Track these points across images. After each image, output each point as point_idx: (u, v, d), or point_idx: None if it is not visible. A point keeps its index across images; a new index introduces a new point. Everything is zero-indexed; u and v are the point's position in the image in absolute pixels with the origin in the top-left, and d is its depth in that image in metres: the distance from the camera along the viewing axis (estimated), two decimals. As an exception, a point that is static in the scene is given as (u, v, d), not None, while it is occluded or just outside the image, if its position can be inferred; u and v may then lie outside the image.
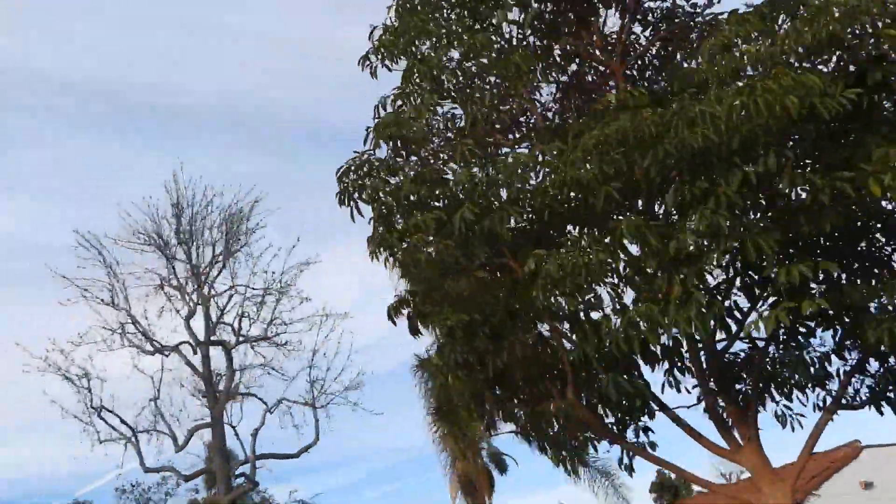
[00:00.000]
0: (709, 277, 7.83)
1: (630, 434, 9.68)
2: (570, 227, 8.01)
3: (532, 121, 9.25)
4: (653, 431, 9.72)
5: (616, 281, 7.73)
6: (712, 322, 7.54)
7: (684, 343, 8.59)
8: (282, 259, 23.11)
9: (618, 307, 7.57)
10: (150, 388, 22.91)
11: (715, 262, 7.35)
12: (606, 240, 6.95)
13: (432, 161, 8.45)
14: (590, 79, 10.33)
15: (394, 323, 9.20)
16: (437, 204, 7.61)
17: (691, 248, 6.90)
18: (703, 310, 6.85)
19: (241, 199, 23.53)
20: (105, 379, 21.74)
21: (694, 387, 9.46)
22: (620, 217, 7.18)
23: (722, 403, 9.18)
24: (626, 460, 9.75)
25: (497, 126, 8.50)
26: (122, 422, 21.74)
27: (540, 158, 7.19)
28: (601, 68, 10.09)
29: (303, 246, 23.75)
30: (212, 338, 22.85)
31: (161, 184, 23.24)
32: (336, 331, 22.59)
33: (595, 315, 7.75)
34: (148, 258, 23.53)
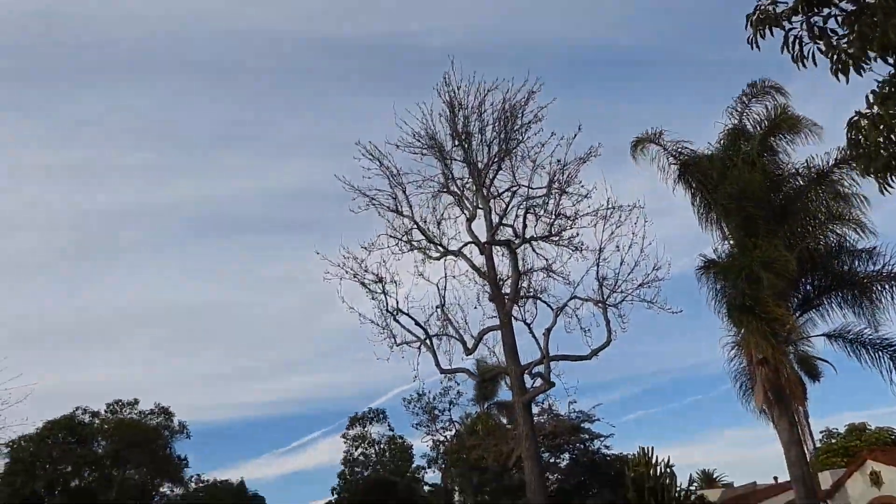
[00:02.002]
0: None
1: None
2: None
3: None
4: None
5: None
6: None
7: None
8: (563, 151, 21.70)
9: None
10: (436, 295, 22.97)
11: None
12: None
13: None
14: None
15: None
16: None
17: None
18: None
19: (514, 96, 22.32)
20: (399, 282, 21.87)
21: None
22: None
23: None
24: None
25: None
26: (416, 323, 21.82)
27: None
28: None
29: (584, 138, 21.99)
30: (495, 237, 22.09)
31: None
32: (625, 224, 20.91)
33: None
34: (427, 166, 23.28)
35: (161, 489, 60.24)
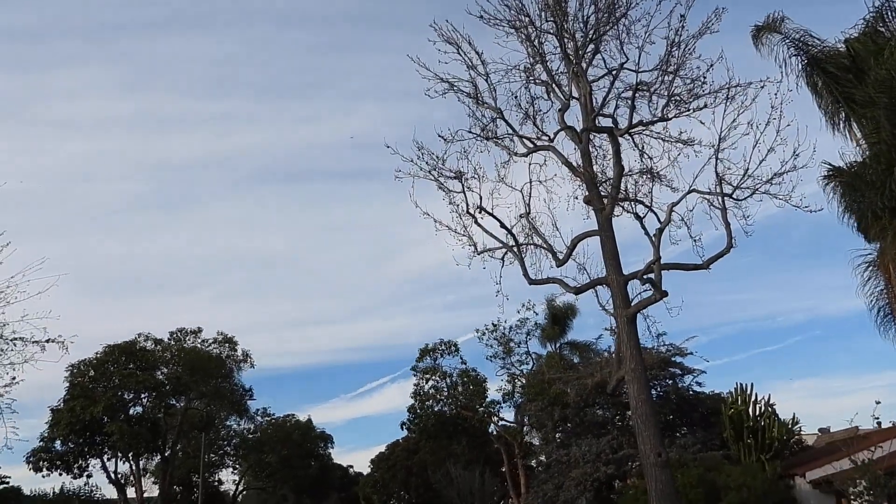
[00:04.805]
0: None
1: None
2: None
3: None
4: None
5: None
6: None
7: None
8: (678, 14, 18.38)
9: None
10: (520, 203, 20.34)
11: None
12: None
13: None
14: None
15: None
16: None
17: None
18: None
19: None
20: (483, 175, 19.24)
21: None
22: None
23: None
24: None
25: None
26: (502, 225, 19.21)
27: None
28: None
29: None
30: (597, 122, 19.13)
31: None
32: (752, 108, 17.69)
33: None
34: (512, 51, 20.37)
35: (226, 422, 60.00)
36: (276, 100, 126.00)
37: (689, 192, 17.83)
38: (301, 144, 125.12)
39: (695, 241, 18.82)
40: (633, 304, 17.62)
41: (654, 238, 17.53)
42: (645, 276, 17.21)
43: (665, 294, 16.96)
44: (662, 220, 18.02)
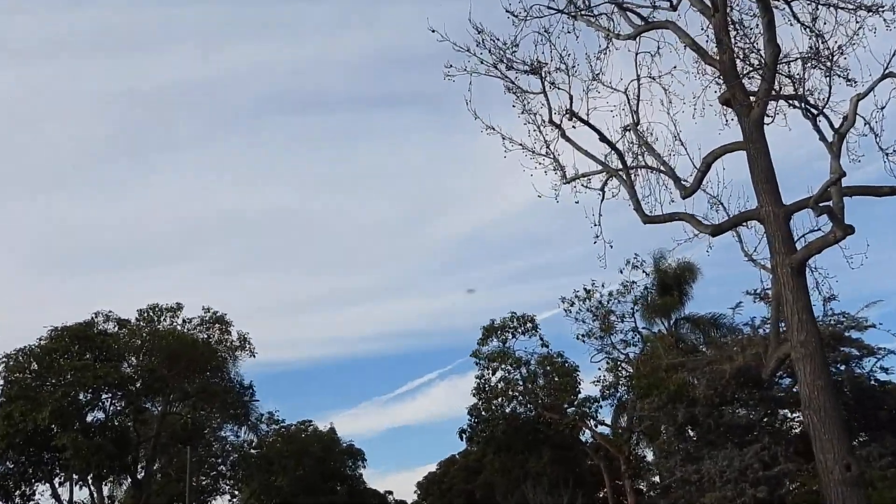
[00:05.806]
0: None
1: None
2: None
3: None
4: None
5: None
6: None
7: None
8: None
9: None
10: (624, 109, 19.44)
11: None
12: None
13: None
14: None
15: None
16: None
17: None
18: None
19: None
20: (575, 67, 18.40)
21: None
22: None
23: None
24: None
25: None
26: (602, 139, 18.32)
27: None
28: None
29: None
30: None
31: None
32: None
33: None
34: None
35: (220, 432, 60.44)
36: (278, 3, 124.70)
37: (884, 76, 16.55)
38: (312, 62, 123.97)
39: (886, 154, 17.76)
40: (802, 248, 16.62)
41: (833, 146, 16.33)
42: (821, 204, 16.05)
43: (850, 230, 15.87)
44: (840, 123, 16.83)
